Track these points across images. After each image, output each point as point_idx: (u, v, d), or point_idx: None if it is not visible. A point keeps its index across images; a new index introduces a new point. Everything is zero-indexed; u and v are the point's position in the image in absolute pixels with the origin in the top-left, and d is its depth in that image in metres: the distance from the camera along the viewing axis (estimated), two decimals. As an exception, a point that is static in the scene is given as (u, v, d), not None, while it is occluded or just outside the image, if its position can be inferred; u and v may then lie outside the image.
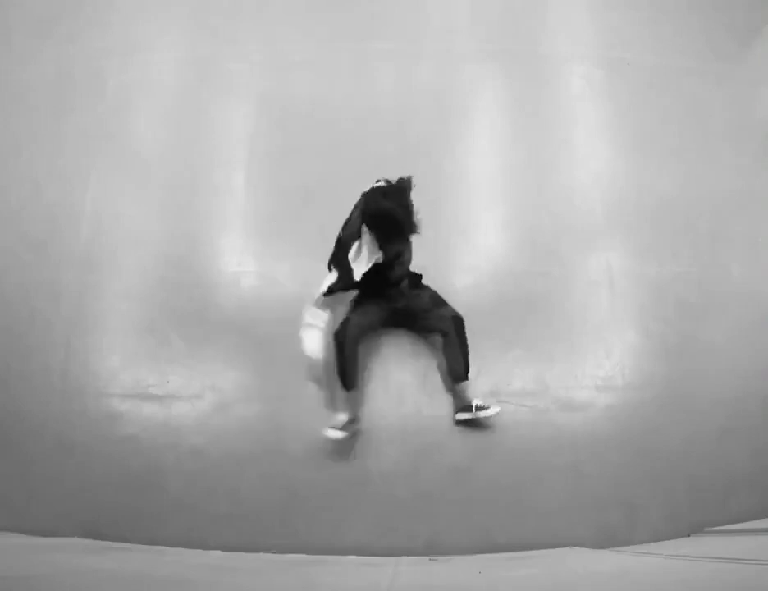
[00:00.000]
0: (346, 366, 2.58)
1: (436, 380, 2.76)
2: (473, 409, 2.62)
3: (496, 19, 3.61)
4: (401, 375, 2.77)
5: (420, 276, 2.73)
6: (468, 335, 2.69)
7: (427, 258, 2.73)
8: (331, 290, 2.39)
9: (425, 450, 2.65)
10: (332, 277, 2.40)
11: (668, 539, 2.54)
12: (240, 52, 3.44)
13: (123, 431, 2.66)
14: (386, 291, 2.64)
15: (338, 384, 2.59)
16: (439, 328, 2.71)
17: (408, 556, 2.44)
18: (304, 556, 2.43)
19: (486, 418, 2.61)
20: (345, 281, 2.38)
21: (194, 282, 2.92)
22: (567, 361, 2.81)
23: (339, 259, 2.42)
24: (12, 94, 3.33)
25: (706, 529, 2.56)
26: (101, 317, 2.85)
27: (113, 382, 2.75)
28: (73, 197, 3.07)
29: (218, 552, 2.44)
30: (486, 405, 2.62)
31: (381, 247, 2.38)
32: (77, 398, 2.71)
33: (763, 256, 3.07)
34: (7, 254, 2.97)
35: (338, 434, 2.52)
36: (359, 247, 2.37)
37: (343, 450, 2.61)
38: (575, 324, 2.88)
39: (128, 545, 2.44)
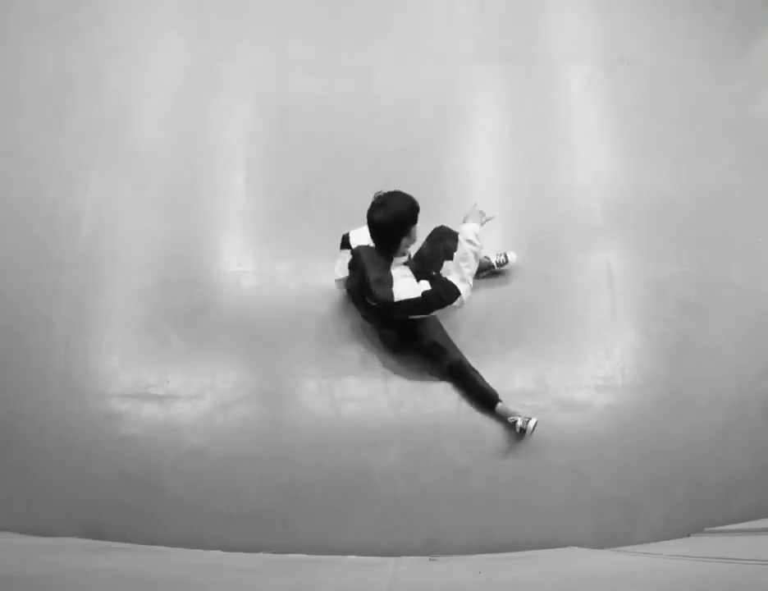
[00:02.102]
0: None
1: (437, 380, 2.77)
2: (518, 431, 2.61)
3: (497, 19, 3.61)
4: (401, 375, 2.77)
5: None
6: (470, 368, 2.70)
7: (427, 258, 2.71)
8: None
9: (425, 450, 2.65)
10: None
11: (668, 539, 2.55)
12: (240, 52, 3.44)
13: (123, 431, 2.66)
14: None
15: None
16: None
17: (408, 556, 2.44)
18: (304, 556, 2.43)
19: (531, 432, 2.60)
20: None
21: (194, 282, 2.92)
22: (567, 361, 2.81)
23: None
24: (12, 94, 3.33)
25: (706, 529, 2.56)
26: (101, 317, 2.85)
27: (113, 382, 2.75)
28: (73, 197, 3.07)
29: (218, 552, 2.43)
30: (524, 425, 2.59)
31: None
32: (77, 398, 2.71)
33: (763, 256, 3.07)
34: (7, 254, 2.96)
35: None
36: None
37: None
38: (575, 324, 2.88)
39: (128, 545, 2.44)
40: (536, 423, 2.59)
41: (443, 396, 2.74)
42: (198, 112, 3.31)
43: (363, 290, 2.51)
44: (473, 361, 2.76)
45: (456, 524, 2.57)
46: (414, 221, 2.41)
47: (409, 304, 2.40)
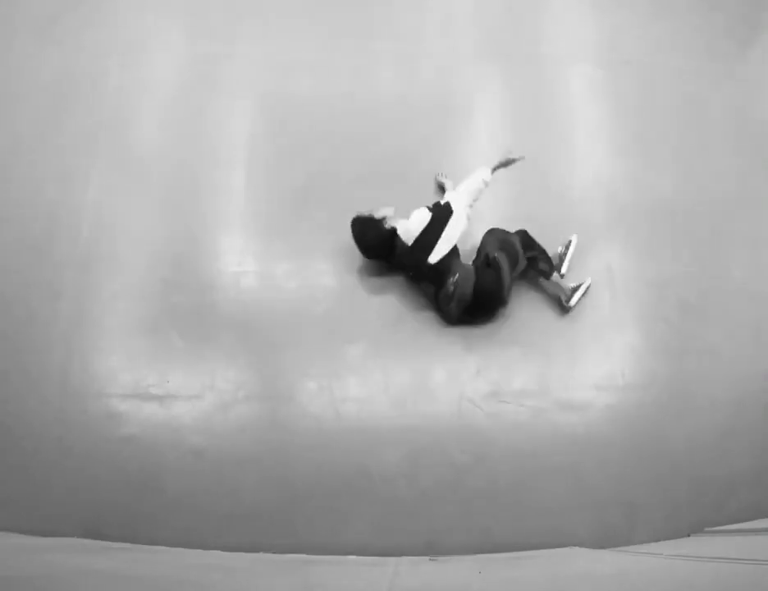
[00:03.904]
0: None
1: (437, 380, 2.77)
2: (571, 293, 2.85)
3: (497, 19, 3.61)
4: (401, 375, 2.77)
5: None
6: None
7: (427, 258, 2.71)
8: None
9: (425, 450, 2.65)
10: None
11: (668, 539, 2.54)
12: (240, 52, 3.44)
13: (123, 431, 2.66)
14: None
15: None
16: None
17: (408, 556, 2.44)
18: (304, 556, 2.43)
19: (583, 295, 2.85)
20: None
21: (194, 282, 2.92)
22: (567, 361, 2.81)
23: None
24: (12, 94, 3.33)
25: (706, 529, 2.56)
26: (101, 317, 2.85)
27: (113, 382, 2.74)
28: (73, 197, 3.07)
29: (218, 552, 2.43)
30: (576, 286, 2.85)
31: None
32: (77, 398, 2.71)
33: (763, 256, 3.07)
34: (7, 253, 2.96)
35: None
36: None
37: None
38: (575, 324, 2.88)
39: (128, 545, 2.44)
40: (588, 286, 2.85)
41: (443, 396, 2.74)
42: (199, 111, 3.31)
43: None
44: (474, 361, 2.76)
45: (456, 524, 2.57)
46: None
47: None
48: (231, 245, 3.01)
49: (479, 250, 2.84)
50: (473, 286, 2.68)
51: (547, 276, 2.87)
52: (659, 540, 2.54)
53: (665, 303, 2.94)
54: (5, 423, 2.68)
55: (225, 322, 2.84)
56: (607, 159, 3.24)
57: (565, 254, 2.91)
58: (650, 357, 2.85)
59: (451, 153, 3.22)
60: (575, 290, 2.86)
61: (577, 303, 2.86)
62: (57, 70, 3.37)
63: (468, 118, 3.34)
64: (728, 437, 2.72)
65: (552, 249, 2.94)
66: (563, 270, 2.88)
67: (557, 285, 2.89)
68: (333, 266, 2.94)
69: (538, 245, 2.87)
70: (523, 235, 2.86)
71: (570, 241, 2.94)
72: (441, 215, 2.76)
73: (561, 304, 2.87)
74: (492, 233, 2.84)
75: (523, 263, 2.79)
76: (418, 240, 2.73)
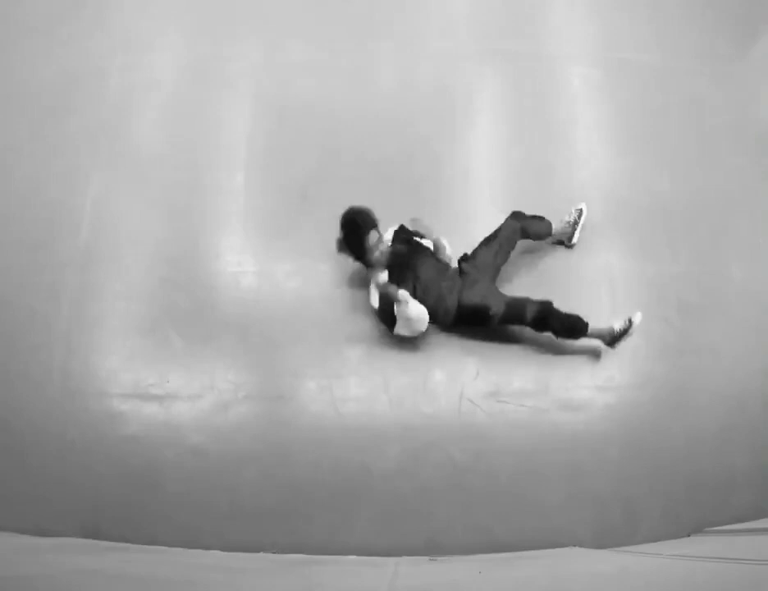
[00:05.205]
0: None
1: (437, 379, 2.77)
2: (618, 336, 2.68)
3: (497, 19, 3.61)
4: (401, 375, 2.77)
5: None
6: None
7: (427, 258, 2.71)
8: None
9: (425, 449, 2.65)
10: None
11: (668, 539, 2.54)
12: (240, 52, 3.44)
13: (123, 431, 2.66)
14: None
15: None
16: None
17: (408, 556, 2.44)
18: (304, 556, 2.43)
19: (632, 331, 2.68)
20: None
21: (194, 282, 2.93)
22: (567, 361, 2.81)
23: None
24: (13, 94, 3.33)
25: (706, 529, 2.56)
26: (101, 317, 2.85)
27: (113, 381, 2.75)
28: (73, 197, 3.07)
29: (218, 552, 2.44)
30: (624, 327, 2.66)
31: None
32: (77, 398, 2.71)
33: (763, 256, 3.07)
34: (7, 253, 2.97)
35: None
36: None
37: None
38: (575, 324, 2.88)
39: (128, 545, 2.44)
40: (639, 321, 2.66)
41: (443, 395, 2.74)
42: (199, 112, 3.31)
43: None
44: (474, 361, 2.76)
45: (456, 523, 2.57)
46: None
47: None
48: (231, 245, 3.01)
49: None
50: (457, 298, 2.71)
51: (544, 237, 2.92)
52: (659, 540, 2.54)
53: (665, 303, 2.94)
54: (6, 422, 2.68)
55: (225, 323, 2.84)
56: (607, 159, 3.23)
57: (577, 222, 2.96)
58: (649, 357, 2.85)
59: (450, 152, 3.22)
60: (574, 225, 2.95)
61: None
62: (58, 70, 3.37)
63: (467, 118, 3.34)
64: (728, 436, 2.72)
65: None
66: (574, 239, 2.96)
67: (595, 336, 2.76)
68: (333, 266, 2.94)
69: (528, 216, 2.89)
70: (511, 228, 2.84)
71: (581, 210, 2.98)
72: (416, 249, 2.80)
73: (564, 244, 2.99)
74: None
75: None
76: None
